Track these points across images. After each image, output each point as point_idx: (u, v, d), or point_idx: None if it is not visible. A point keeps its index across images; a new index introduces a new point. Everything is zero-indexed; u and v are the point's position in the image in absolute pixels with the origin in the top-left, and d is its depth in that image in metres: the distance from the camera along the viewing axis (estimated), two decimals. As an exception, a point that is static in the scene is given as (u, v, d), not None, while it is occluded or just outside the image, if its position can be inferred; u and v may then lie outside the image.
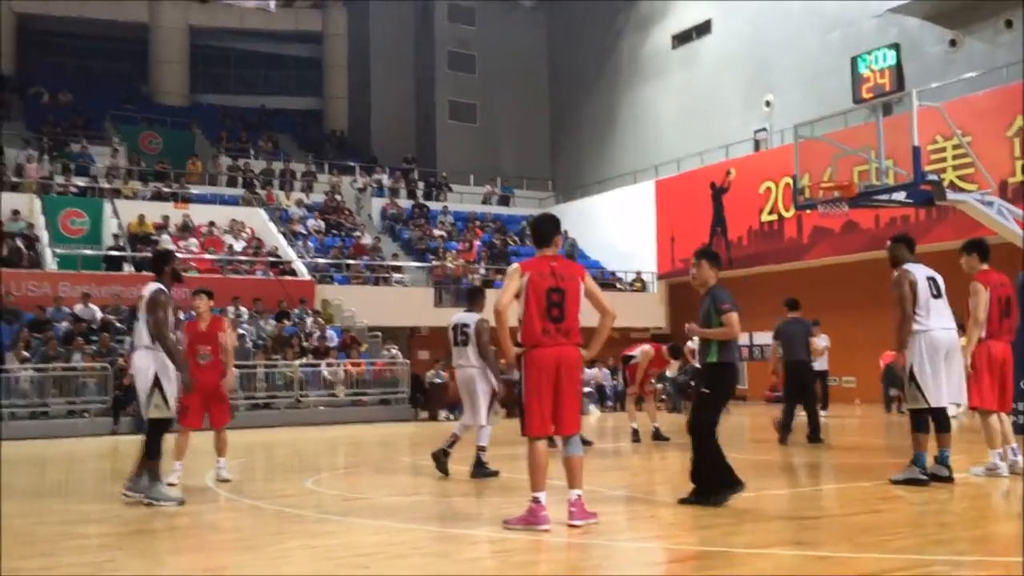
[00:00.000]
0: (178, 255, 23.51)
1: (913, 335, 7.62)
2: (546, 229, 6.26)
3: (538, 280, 6.01)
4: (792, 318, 12.79)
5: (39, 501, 8.16)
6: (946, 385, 7.64)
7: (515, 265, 6.24)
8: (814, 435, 12.12)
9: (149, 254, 23.34)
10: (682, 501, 6.83)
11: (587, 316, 6.17)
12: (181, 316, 10.38)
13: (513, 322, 6.03)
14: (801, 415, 12.56)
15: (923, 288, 7.68)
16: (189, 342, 8.81)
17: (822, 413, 17.61)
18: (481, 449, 9.03)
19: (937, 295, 7.73)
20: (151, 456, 7.39)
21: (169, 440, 7.89)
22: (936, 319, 7.67)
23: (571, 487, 6.04)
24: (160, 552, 5.85)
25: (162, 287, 7.49)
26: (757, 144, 26.62)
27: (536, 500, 5.89)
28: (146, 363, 7.39)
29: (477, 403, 9.10)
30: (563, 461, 6.11)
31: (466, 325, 9.22)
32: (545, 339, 5.97)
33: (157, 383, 7.36)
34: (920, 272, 7.77)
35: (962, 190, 15.63)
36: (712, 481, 6.73)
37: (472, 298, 9.56)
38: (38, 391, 17.49)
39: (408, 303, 24.96)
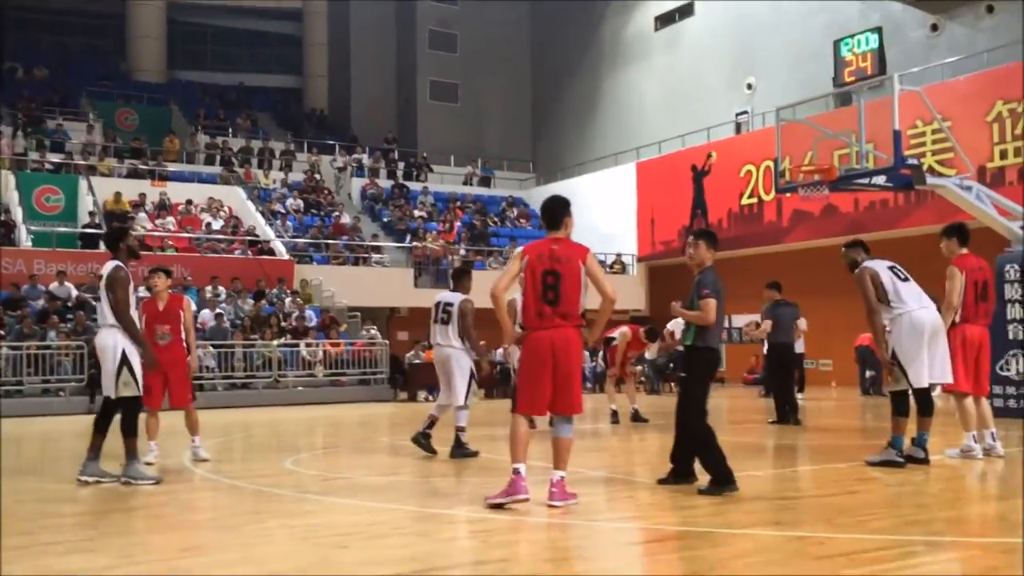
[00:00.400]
0: (154, 232, 23.26)
1: (895, 318, 7.68)
2: (554, 212, 6.19)
3: (535, 263, 6.01)
4: (781, 300, 12.89)
5: (15, 479, 8.07)
6: (929, 365, 7.68)
7: (519, 248, 6.32)
8: (793, 417, 12.24)
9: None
10: (661, 481, 6.84)
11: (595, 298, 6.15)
12: (142, 293, 10.25)
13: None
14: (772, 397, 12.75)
15: (887, 276, 7.80)
16: (147, 321, 8.61)
17: (798, 396, 17.79)
18: (460, 430, 9.02)
19: (904, 279, 7.81)
20: (128, 434, 7.33)
21: (140, 421, 7.82)
22: (912, 300, 7.73)
23: (555, 467, 6.06)
24: (137, 531, 5.82)
25: (120, 264, 7.41)
26: (738, 127, 26.65)
27: (516, 471, 5.93)
28: (112, 341, 7.29)
29: (454, 383, 9.07)
30: (552, 441, 6.12)
31: (449, 304, 9.20)
32: (541, 322, 5.99)
33: (125, 360, 7.26)
34: (879, 264, 7.90)
35: (941, 175, 15.71)
36: (719, 469, 6.50)
37: (457, 278, 9.54)
38: (13, 369, 17.31)
39: (387, 284, 24.89)
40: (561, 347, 5.97)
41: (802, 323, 17.79)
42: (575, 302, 6.00)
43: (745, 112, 26.67)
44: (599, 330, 6.22)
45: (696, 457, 6.75)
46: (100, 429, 7.42)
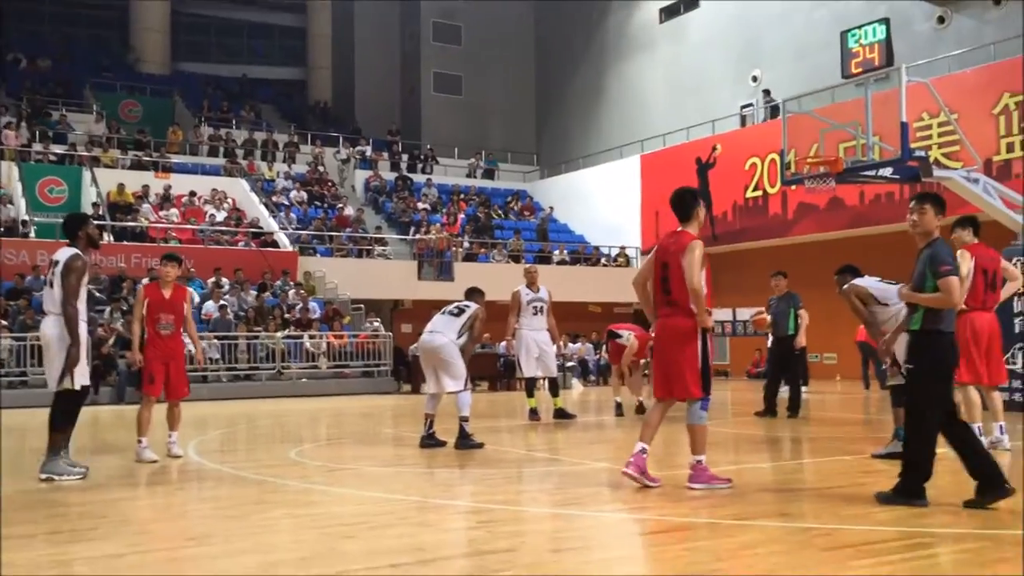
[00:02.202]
0: (158, 224, 23.17)
1: (896, 314, 7.68)
2: (684, 204, 6.49)
3: (656, 254, 6.46)
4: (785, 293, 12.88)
5: (19, 470, 8.08)
6: None
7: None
8: (794, 409, 12.29)
9: (131, 223, 23.21)
10: (880, 497, 5.79)
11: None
12: (145, 280, 10.08)
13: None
14: (784, 389, 12.70)
15: (874, 284, 7.98)
16: (150, 309, 8.41)
17: (803, 389, 17.75)
18: (464, 420, 8.98)
19: (895, 283, 7.92)
20: (57, 428, 7.06)
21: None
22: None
23: (691, 452, 6.31)
24: (143, 520, 5.81)
25: (78, 252, 7.13)
26: (743, 119, 26.57)
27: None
28: (60, 331, 7.00)
29: (452, 368, 8.96)
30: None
31: (468, 305, 9.40)
32: (659, 310, 6.42)
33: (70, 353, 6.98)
34: (864, 279, 8.13)
35: (948, 167, 15.66)
36: (911, 474, 5.64)
37: (470, 296, 9.71)
38: (17, 360, 17.33)
39: (391, 276, 24.88)
40: (667, 335, 6.33)
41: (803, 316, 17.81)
42: (682, 291, 6.24)
43: (750, 104, 26.60)
44: (702, 317, 6.23)
45: (909, 455, 5.73)
46: (69, 424, 7.18)
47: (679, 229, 6.42)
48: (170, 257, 8.79)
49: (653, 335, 6.59)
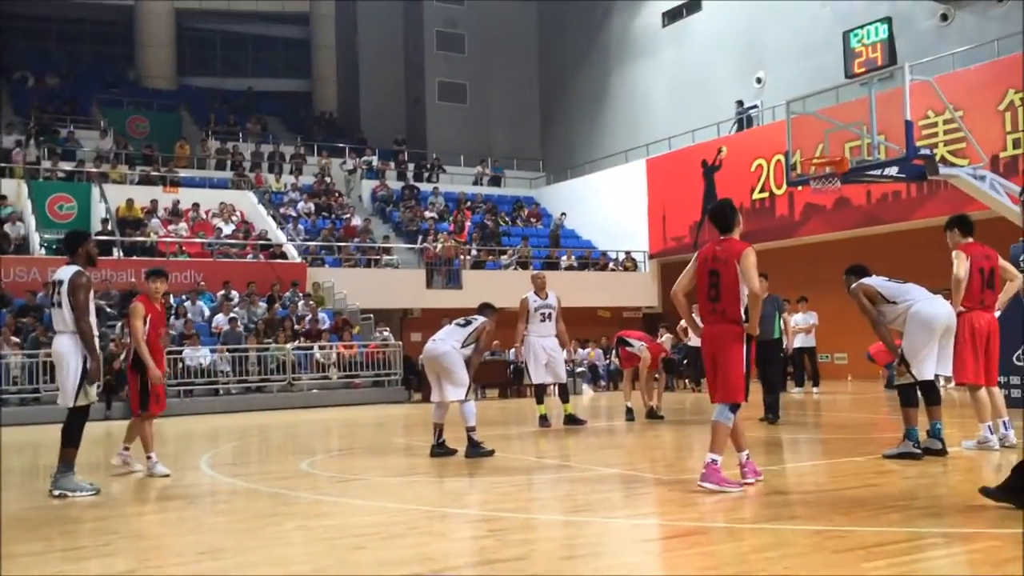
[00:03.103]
0: (167, 239, 23.24)
1: (904, 312, 7.65)
2: (725, 217, 6.62)
3: (703, 263, 6.55)
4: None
5: (32, 486, 8.12)
6: (932, 358, 7.65)
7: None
8: (769, 414, 11.86)
9: (141, 238, 23.30)
10: (984, 491, 5.59)
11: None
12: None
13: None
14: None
15: (884, 285, 7.89)
16: (153, 324, 8.35)
17: (814, 390, 17.72)
18: (470, 429, 8.99)
19: (903, 282, 7.88)
20: (71, 444, 7.13)
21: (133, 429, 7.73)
22: (918, 292, 7.75)
23: (709, 450, 6.39)
24: (155, 535, 5.83)
25: (81, 269, 7.22)
26: (749, 121, 26.57)
27: (712, 461, 6.35)
28: (72, 348, 7.11)
29: (452, 378, 8.96)
30: (710, 425, 6.50)
31: (475, 318, 9.43)
32: (706, 318, 6.54)
33: (86, 369, 7.10)
34: (872, 279, 8.02)
35: (954, 165, 15.62)
36: None
37: (482, 312, 9.65)
38: (29, 377, 17.41)
39: (400, 285, 24.92)
40: (716, 341, 6.45)
41: (809, 318, 17.87)
42: (732, 299, 6.39)
43: (755, 106, 26.59)
44: (754, 323, 6.42)
45: None
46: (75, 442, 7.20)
47: (723, 238, 6.56)
48: (158, 272, 8.70)
49: (700, 343, 6.69)
